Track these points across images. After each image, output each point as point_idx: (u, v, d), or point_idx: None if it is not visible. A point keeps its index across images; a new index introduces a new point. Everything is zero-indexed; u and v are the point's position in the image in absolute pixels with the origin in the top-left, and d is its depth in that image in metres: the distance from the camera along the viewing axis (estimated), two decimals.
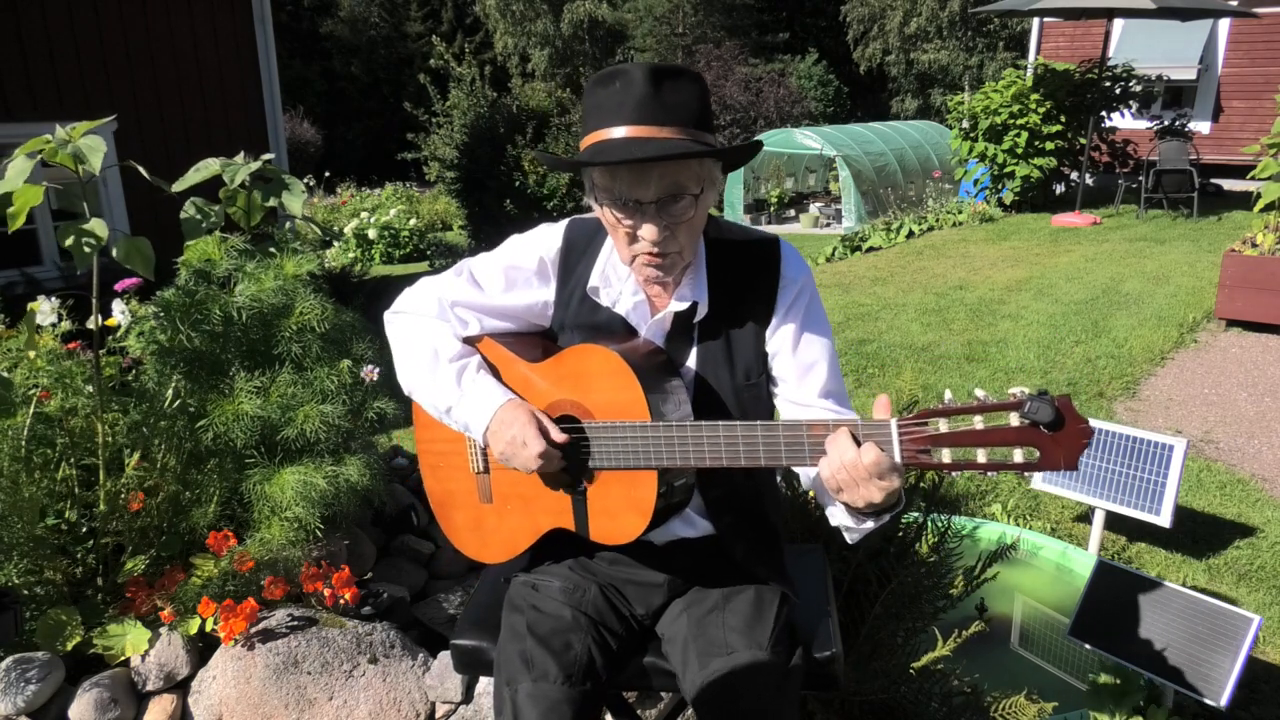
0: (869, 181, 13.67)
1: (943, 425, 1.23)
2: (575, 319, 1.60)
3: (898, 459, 1.25)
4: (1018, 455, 1.21)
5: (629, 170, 1.38)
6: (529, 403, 1.54)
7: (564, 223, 1.64)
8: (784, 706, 1.47)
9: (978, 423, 1.21)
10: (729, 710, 1.45)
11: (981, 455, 1.22)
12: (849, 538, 1.46)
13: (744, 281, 1.55)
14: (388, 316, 1.69)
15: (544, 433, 1.47)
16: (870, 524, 1.39)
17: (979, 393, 1.22)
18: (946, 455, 1.23)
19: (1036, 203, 12.27)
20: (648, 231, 1.41)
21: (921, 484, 2.41)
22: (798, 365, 1.54)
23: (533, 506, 1.60)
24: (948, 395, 1.25)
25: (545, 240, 1.62)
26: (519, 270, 1.62)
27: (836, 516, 1.43)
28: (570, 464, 1.52)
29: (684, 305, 1.53)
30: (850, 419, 1.35)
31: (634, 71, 1.40)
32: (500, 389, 1.54)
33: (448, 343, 1.59)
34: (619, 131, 1.39)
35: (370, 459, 2.55)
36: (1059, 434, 1.18)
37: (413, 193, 15.82)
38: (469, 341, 1.63)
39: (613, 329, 1.58)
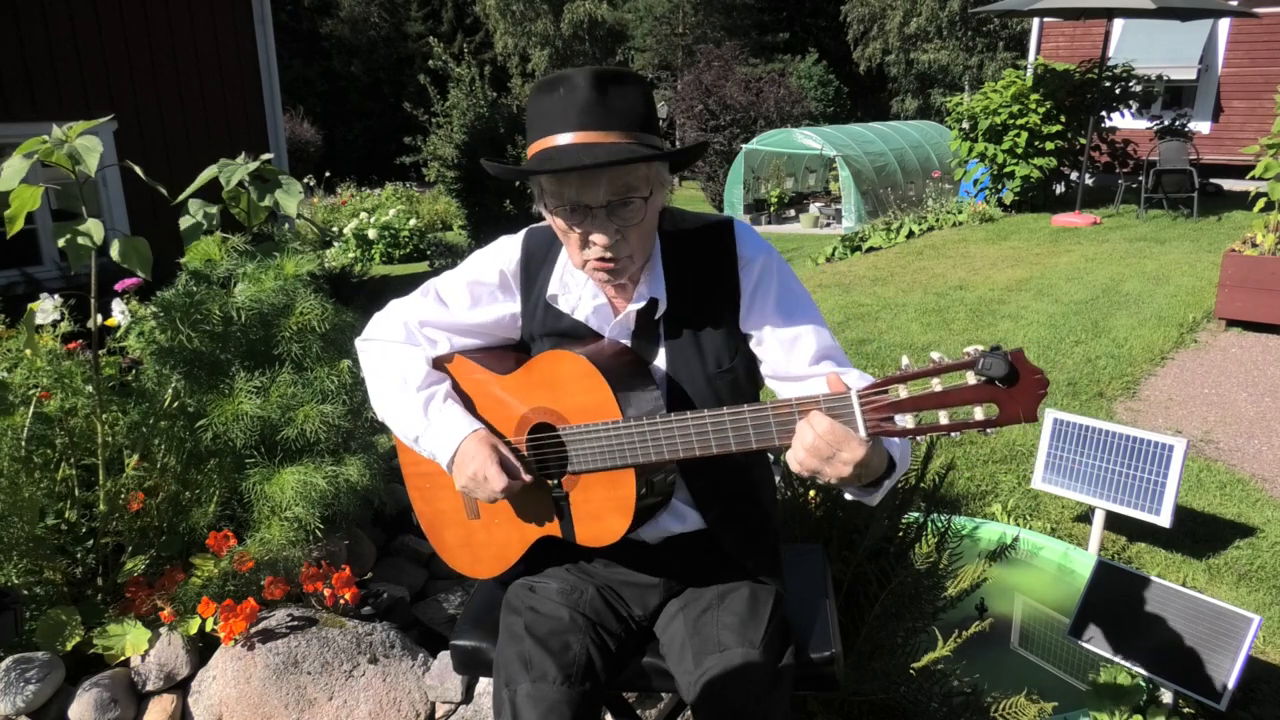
0: (869, 181, 13.67)
1: (902, 391, 1.23)
2: (542, 328, 1.60)
3: (862, 432, 1.25)
4: (978, 413, 1.21)
5: (578, 176, 1.38)
6: (505, 419, 1.55)
7: (522, 233, 1.65)
8: (776, 704, 1.47)
9: (936, 385, 1.21)
10: (722, 708, 1.45)
11: (944, 417, 1.22)
12: (868, 504, 1.44)
13: (701, 269, 1.55)
14: (359, 344, 1.69)
15: (506, 468, 1.47)
16: (873, 493, 1.38)
17: (935, 355, 1.21)
18: (910, 421, 1.23)
19: (1036, 203, 12.26)
20: (598, 237, 1.41)
21: (922, 484, 2.42)
22: (781, 341, 1.53)
23: (520, 518, 1.60)
24: (904, 360, 1.25)
25: (504, 253, 1.63)
26: (482, 285, 1.62)
27: (846, 494, 1.43)
28: (549, 468, 1.53)
29: (642, 304, 1.53)
30: (814, 398, 1.34)
31: (577, 77, 1.39)
32: (466, 419, 1.54)
33: (415, 369, 1.60)
34: (564, 138, 1.38)
35: (370, 459, 2.55)
36: (1014, 388, 1.18)
37: (413, 193, 15.82)
38: (441, 361, 1.64)
39: (579, 334, 1.58)
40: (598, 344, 1.55)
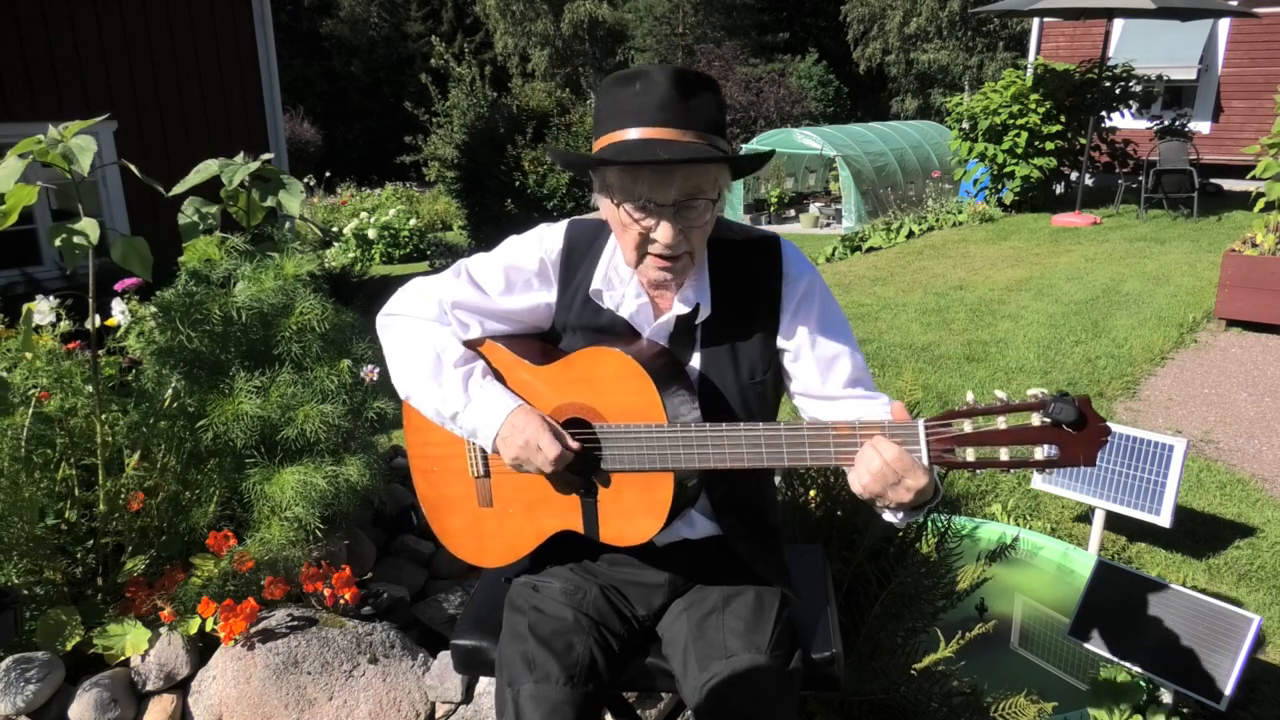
0: (869, 181, 13.67)
1: (967, 425, 1.27)
2: (578, 321, 1.59)
3: (925, 460, 1.28)
4: (1038, 454, 1.25)
5: (651, 172, 1.38)
6: (536, 407, 1.54)
7: (564, 223, 1.63)
8: (783, 710, 1.47)
9: (1000, 423, 1.25)
10: (728, 715, 1.44)
11: (1004, 454, 1.26)
12: (899, 525, 1.50)
13: (746, 281, 1.55)
14: (381, 319, 1.66)
15: (558, 437, 1.46)
16: (915, 516, 1.43)
17: (1000, 394, 1.26)
18: (970, 454, 1.27)
19: (1036, 203, 12.27)
20: (663, 234, 1.41)
21: None
22: (819, 361, 1.54)
23: (536, 510, 1.59)
24: (970, 396, 1.29)
25: (546, 241, 1.61)
26: (519, 271, 1.60)
27: (886, 515, 1.45)
28: (582, 469, 1.51)
29: (687, 309, 1.53)
30: (877, 414, 1.37)
31: (656, 74, 1.40)
32: (509, 395, 1.53)
33: (451, 347, 1.57)
34: (639, 132, 1.39)
35: (370, 459, 2.55)
36: (1079, 434, 1.22)
37: (413, 193, 15.82)
38: (473, 345, 1.62)
39: (615, 331, 1.57)
40: (637, 344, 1.54)
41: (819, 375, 1.54)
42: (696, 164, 1.38)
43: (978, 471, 1.29)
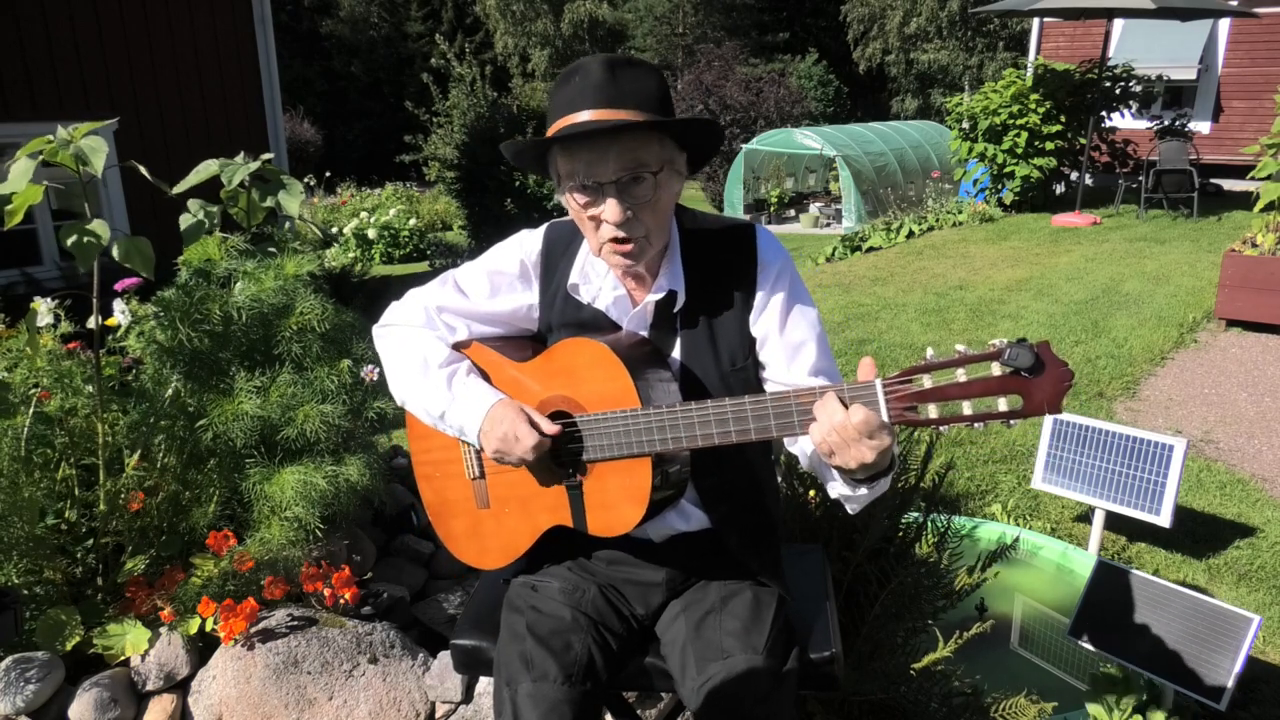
0: (869, 181, 13.67)
1: (927, 381, 1.24)
2: (560, 318, 1.62)
3: (885, 418, 1.25)
4: (1002, 404, 1.21)
5: (588, 150, 1.41)
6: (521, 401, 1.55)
7: (543, 226, 1.67)
8: (780, 710, 1.47)
9: (960, 375, 1.21)
10: (726, 716, 1.44)
11: (967, 407, 1.22)
12: (850, 508, 1.47)
13: (721, 267, 1.57)
14: (377, 331, 1.71)
15: (535, 426, 1.48)
16: (866, 491, 1.39)
17: (960, 347, 1.22)
18: (933, 410, 1.24)
19: (1036, 203, 12.26)
20: (610, 212, 1.43)
21: (922, 484, 2.42)
22: (785, 347, 1.55)
23: (530, 507, 1.60)
24: (929, 351, 1.26)
25: (525, 244, 1.65)
26: (501, 275, 1.65)
27: (835, 488, 1.44)
28: (563, 456, 1.53)
29: (661, 295, 1.55)
30: (837, 386, 1.36)
31: (591, 63, 1.44)
32: (490, 390, 1.56)
33: (437, 349, 1.61)
34: (579, 116, 1.42)
35: (370, 459, 2.55)
36: (1040, 379, 1.19)
37: (413, 193, 15.81)
38: (459, 347, 1.65)
39: (598, 325, 1.59)
40: (616, 334, 1.56)
41: (785, 360, 1.55)
42: (632, 136, 1.40)
43: (942, 429, 1.24)
